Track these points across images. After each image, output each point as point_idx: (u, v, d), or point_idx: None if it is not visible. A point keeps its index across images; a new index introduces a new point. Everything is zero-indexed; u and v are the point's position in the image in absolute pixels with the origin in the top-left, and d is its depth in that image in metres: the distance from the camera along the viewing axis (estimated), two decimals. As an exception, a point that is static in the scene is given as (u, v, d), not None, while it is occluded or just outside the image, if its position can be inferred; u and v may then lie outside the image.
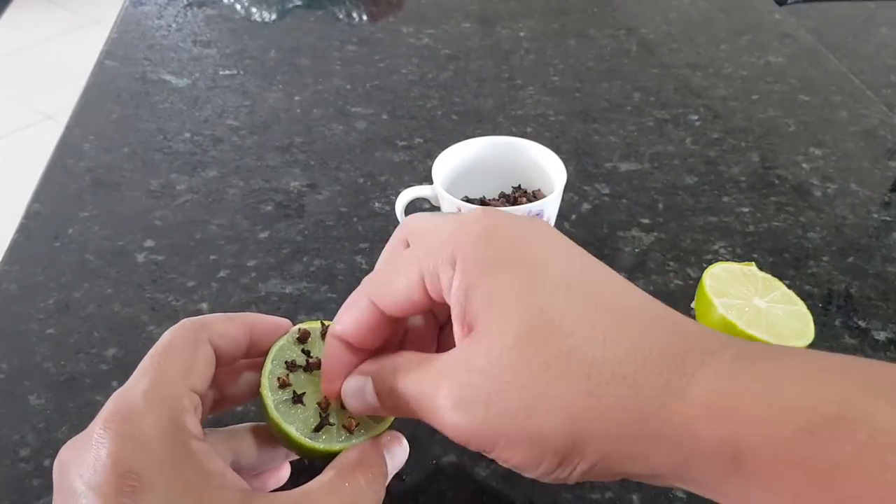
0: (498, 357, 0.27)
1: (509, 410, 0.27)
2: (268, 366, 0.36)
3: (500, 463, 0.28)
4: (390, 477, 0.35)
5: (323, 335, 0.38)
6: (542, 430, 0.26)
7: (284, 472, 0.39)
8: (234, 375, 0.37)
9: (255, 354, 0.36)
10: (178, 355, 0.32)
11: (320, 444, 0.35)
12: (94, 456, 0.28)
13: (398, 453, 0.35)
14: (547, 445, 0.27)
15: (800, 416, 0.24)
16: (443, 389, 0.28)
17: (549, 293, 0.27)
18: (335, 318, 0.34)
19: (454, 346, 0.30)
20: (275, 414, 0.35)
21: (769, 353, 0.26)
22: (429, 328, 0.35)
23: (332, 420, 0.35)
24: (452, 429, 0.28)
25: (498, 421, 0.27)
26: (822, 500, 0.23)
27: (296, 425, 0.35)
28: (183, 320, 0.34)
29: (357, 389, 0.33)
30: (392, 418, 0.37)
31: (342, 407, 0.36)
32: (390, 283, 0.31)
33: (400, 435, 0.36)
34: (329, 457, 0.34)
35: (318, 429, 0.35)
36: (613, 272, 0.30)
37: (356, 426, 0.35)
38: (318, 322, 0.38)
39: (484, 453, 0.29)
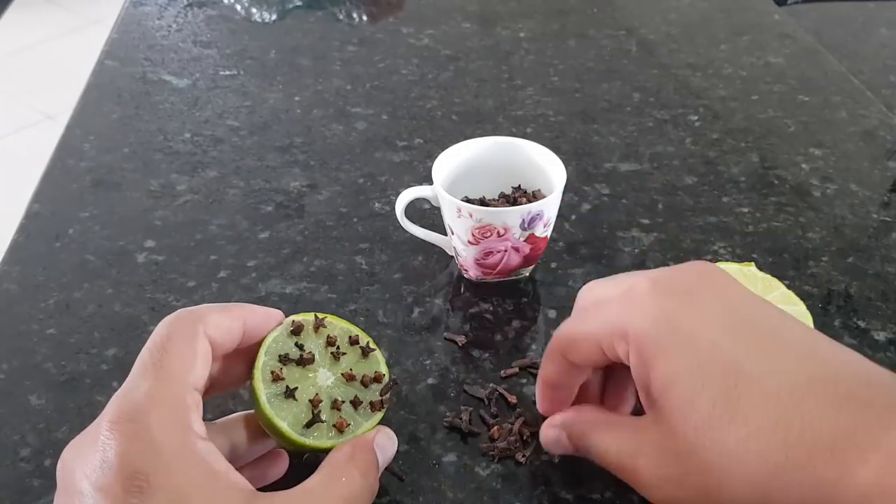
0: (684, 443, 0.31)
1: (700, 489, 0.31)
2: (261, 358, 0.36)
3: None
4: (382, 469, 0.36)
5: (316, 328, 0.38)
6: (735, 503, 0.30)
7: (283, 464, 0.40)
8: (226, 363, 0.37)
9: (247, 345, 0.37)
10: (178, 351, 0.32)
11: (310, 440, 0.35)
12: (101, 457, 0.28)
13: (388, 447, 0.37)
14: None
15: None
16: (642, 463, 0.33)
17: (717, 385, 0.30)
18: (541, 366, 0.40)
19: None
20: (267, 407, 0.35)
21: None
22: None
23: (323, 417, 0.35)
24: (653, 497, 0.34)
25: (690, 496, 0.31)
26: None
27: (287, 420, 0.35)
28: (178, 311, 0.34)
29: (554, 440, 0.39)
30: (380, 417, 0.37)
31: (333, 406, 0.36)
32: (575, 346, 0.37)
33: (388, 429, 0.37)
34: (318, 452, 0.35)
35: (309, 425, 0.35)
36: (794, 322, 0.32)
37: (347, 426, 0.36)
38: (312, 315, 0.38)
39: None
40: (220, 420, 0.38)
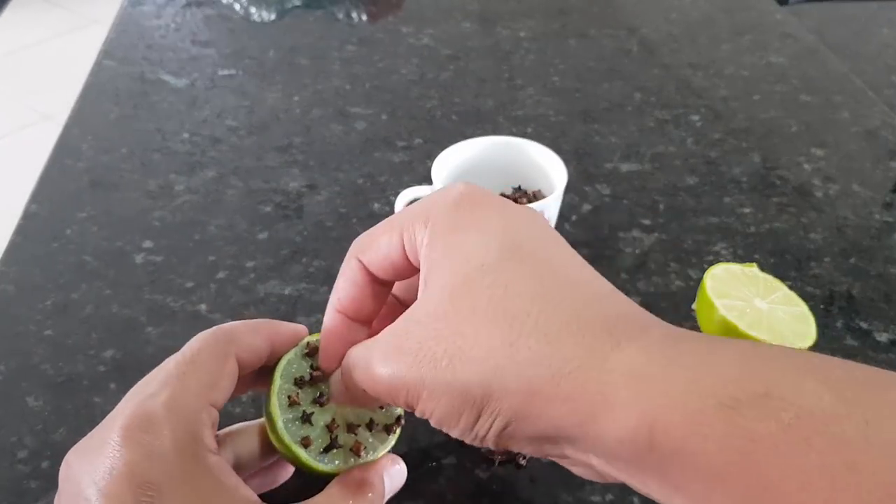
0: (434, 307, 0.28)
1: (434, 358, 0.27)
2: (276, 382, 0.35)
3: (426, 418, 0.28)
4: (387, 498, 0.35)
5: None
6: (460, 379, 0.26)
7: (284, 473, 0.39)
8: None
9: (273, 362, 0.36)
10: (205, 367, 0.32)
11: (329, 466, 0.34)
12: (111, 464, 0.28)
13: (396, 476, 0.36)
14: (464, 397, 0.26)
15: (723, 393, 0.23)
16: (378, 345, 0.29)
17: (495, 254, 0.28)
18: (334, 286, 0.34)
19: None
20: (284, 434, 0.34)
21: (701, 336, 0.26)
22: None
23: (340, 442, 0.35)
24: (380, 381, 0.29)
25: (422, 369, 0.27)
26: (740, 482, 0.22)
27: (305, 446, 0.34)
28: (213, 328, 0.34)
29: (335, 382, 0.34)
30: (394, 442, 0.37)
31: (349, 429, 0.36)
32: (374, 242, 0.32)
33: (398, 458, 0.37)
34: (331, 476, 0.34)
35: (326, 450, 0.35)
36: (572, 251, 0.30)
37: (363, 448, 0.35)
38: None
39: (410, 409, 0.29)
40: (223, 430, 0.37)
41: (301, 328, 0.37)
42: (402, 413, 0.38)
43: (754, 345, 0.25)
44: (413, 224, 0.31)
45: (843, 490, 0.21)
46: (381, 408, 0.37)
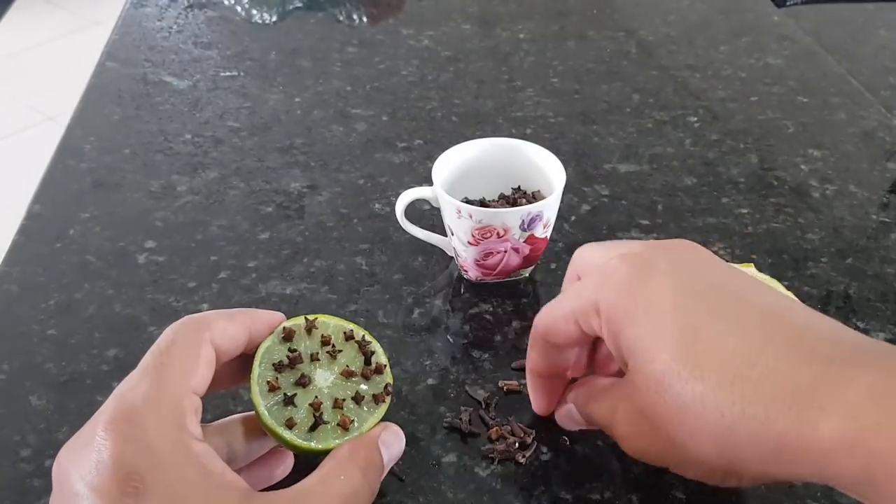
0: (647, 399, 0.32)
1: (668, 442, 0.32)
2: (256, 369, 0.36)
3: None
4: (388, 467, 0.35)
5: (308, 330, 0.38)
6: (700, 457, 0.31)
7: (289, 462, 0.40)
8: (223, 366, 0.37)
9: (252, 349, 0.37)
10: (181, 355, 0.33)
11: (316, 443, 0.35)
12: (97, 458, 0.29)
13: (394, 444, 0.36)
14: (707, 467, 0.32)
15: None
16: (617, 421, 0.35)
17: (675, 344, 0.31)
18: (527, 358, 0.42)
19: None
20: (268, 419, 0.35)
21: None
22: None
23: (326, 418, 0.35)
24: (631, 453, 0.35)
25: (662, 449, 0.33)
26: None
27: (290, 428, 0.35)
28: (185, 318, 0.34)
29: (566, 414, 0.41)
30: (384, 411, 0.37)
31: (335, 406, 0.36)
32: (555, 328, 0.38)
33: (394, 426, 0.37)
34: (326, 454, 0.35)
35: (312, 429, 0.35)
36: (764, 288, 0.33)
37: (351, 422, 0.36)
38: (302, 318, 0.38)
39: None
40: (216, 422, 0.38)
41: (278, 315, 0.38)
42: (391, 381, 0.38)
43: None
44: (586, 315, 0.36)
45: None
46: (367, 378, 0.38)
